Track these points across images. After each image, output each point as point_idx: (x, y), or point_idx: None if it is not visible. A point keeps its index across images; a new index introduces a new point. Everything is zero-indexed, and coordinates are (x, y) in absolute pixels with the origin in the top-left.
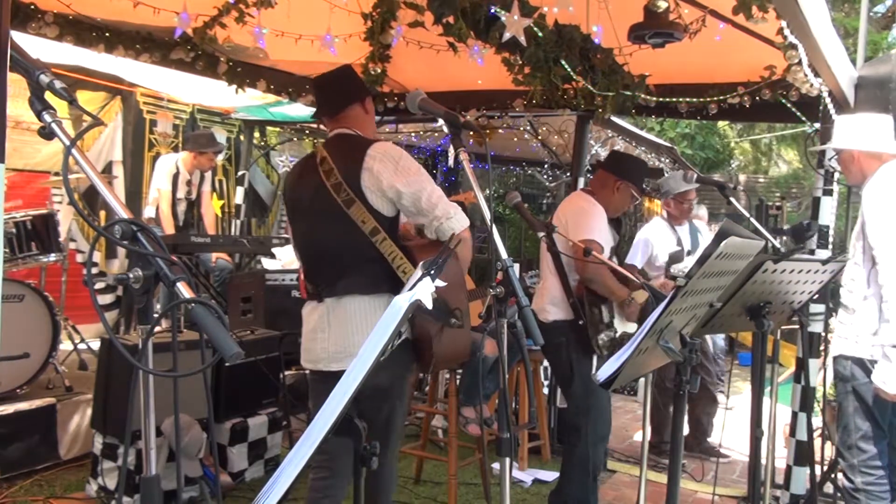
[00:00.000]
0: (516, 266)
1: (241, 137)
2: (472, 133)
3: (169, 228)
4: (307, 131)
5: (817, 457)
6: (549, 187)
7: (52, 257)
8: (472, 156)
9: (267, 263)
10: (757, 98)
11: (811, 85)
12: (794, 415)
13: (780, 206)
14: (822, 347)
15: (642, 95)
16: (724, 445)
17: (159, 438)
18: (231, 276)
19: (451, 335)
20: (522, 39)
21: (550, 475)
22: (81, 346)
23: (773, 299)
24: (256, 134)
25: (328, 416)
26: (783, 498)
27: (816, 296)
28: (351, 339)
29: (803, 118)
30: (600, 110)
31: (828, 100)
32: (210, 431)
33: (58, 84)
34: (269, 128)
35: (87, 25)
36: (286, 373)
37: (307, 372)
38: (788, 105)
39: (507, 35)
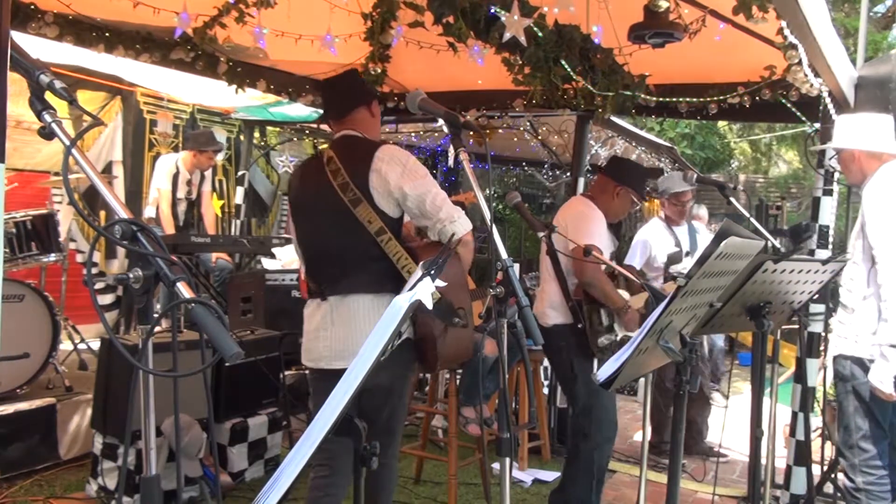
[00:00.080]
0: (516, 266)
1: (241, 137)
2: (472, 133)
3: (169, 228)
4: (307, 131)
5: (817, 457)
6: (549, 187)
7: (52, 257)
8: (472, 156)
9: (267, 263)
10: (757, 98)
11: (811, 85)
12: (794, 415)
13: (780, 207)
14: (821, 347)
15: (642, 95)
16: (724, 445)
17: (159, 438)
18: (231, 276)
19: (454, 334)
20: (522, 39)
21: (550, 475)
22: (81, 346)
23: (773, 299)
24: (256, 134)
25: (328, 415)
26: (783, 498)
27: (816, 296)
28: (354, 337)
29: (803, 118)
30: (600, 110)
31: (828, 100)
32: (210, 431)
33: (58, 84)
34: (269, 128)
35: (87, 25)
36: (286, 373)
37: (307, 372)
38: (788, 105)
39: (507, 35)
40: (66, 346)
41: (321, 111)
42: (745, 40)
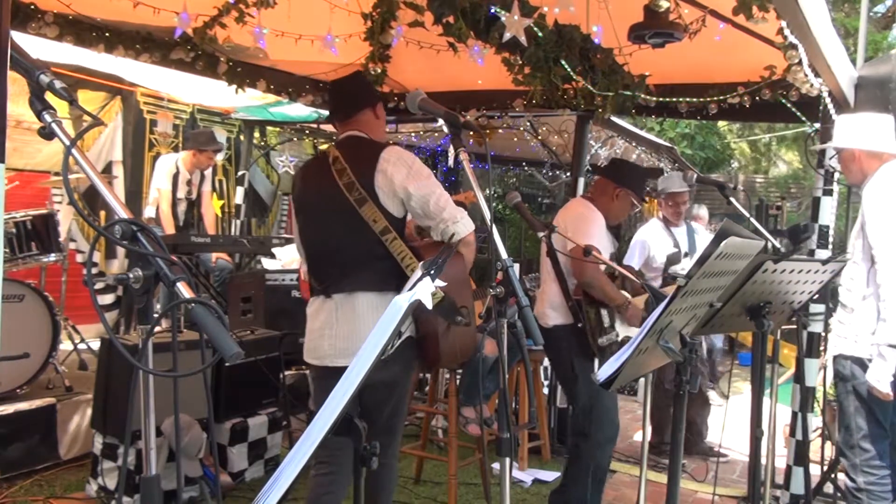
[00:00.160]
0: (516, 266)
1: (241, 137)
2: (472, 133)
3: (169, 228)
4: (307, 131)
5: (817, 457)
6: (549, 187)
7: (52, 257)
8: (471, 156)
9: (267, 263)
10: (757, 98)
11: (811, 85)
12: (794, 415)
13: (780, 207)
14: (821, 347)
15: (642, 95)
16: (724, 445)
17: (159, 438)
18: (231, 276)
19: (457, 333)
20: (523, 39)
21: (550, 475)
22: (81, 346)
23: (773, 299)
24: (256, 134)
25: (328, 415)
26: (783, 498)
27: (816, 296)
28: (358, 334)
29: (803, 118)
30: (600, 110)
31: (828, 100)
32: (210, 431)
33: (58, 84)
34: (269, 128)
35: (87, 25)
36: (286, 373)
37: (307, 372)
38: (788, 105)
39: (507, 35)
40: (66, 346)
41: (321, 111)
42: (745, 40)
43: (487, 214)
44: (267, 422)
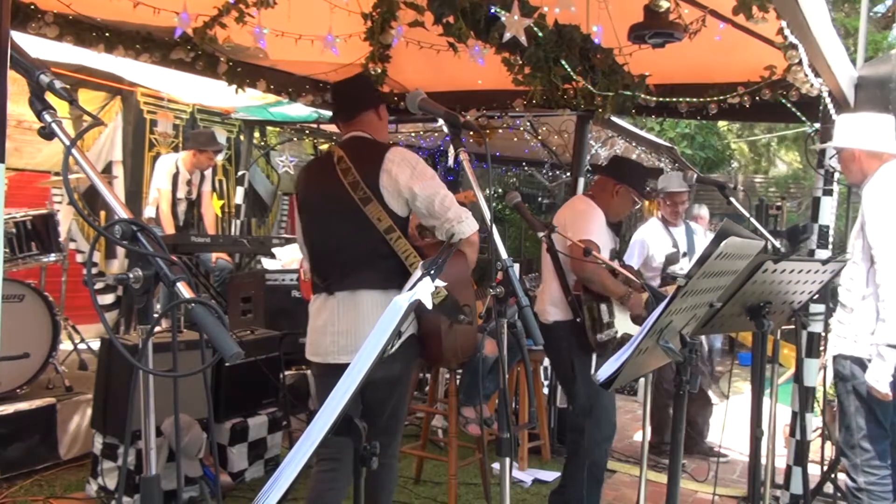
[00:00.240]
0: (516, 266)
1: (241, 137)
2: (471, 133)
3: (169, 228)
4: (307, 131)
5: (817, 457)
6: (549, 187)
7: (52, 257)
8: (471, 156)
9: (267, 263)
10: (757, 98)
11: (811, 85)
12: (794, 415)
13: (780, 207)
14: (821, 347)
15: (642, 95)
16: (724, 445)
17: (159, 438)
18: (231, 276)
19: (459, 331)
20: (523, 39)
21: (550, 475)
22: (81, 346)
23: (773, 299)
24: (256, 134)
25: (329, 415)
26: (783, 498)
27: (816, 296)
28: (362, 331)
29: (803, 118)
30: (600, 110)
31: (828, 100)
32: (210, 431)
33: (58, 84)
34: (269, 128)
35: (87, 25)
36: (286, 373)
37: (307, 372)
38: (788, 105)
39: (507, 35)
40: (66, 346)
41: (321, 111)
42: (745, 40)
43: (487, 214)
44: (267, 422)
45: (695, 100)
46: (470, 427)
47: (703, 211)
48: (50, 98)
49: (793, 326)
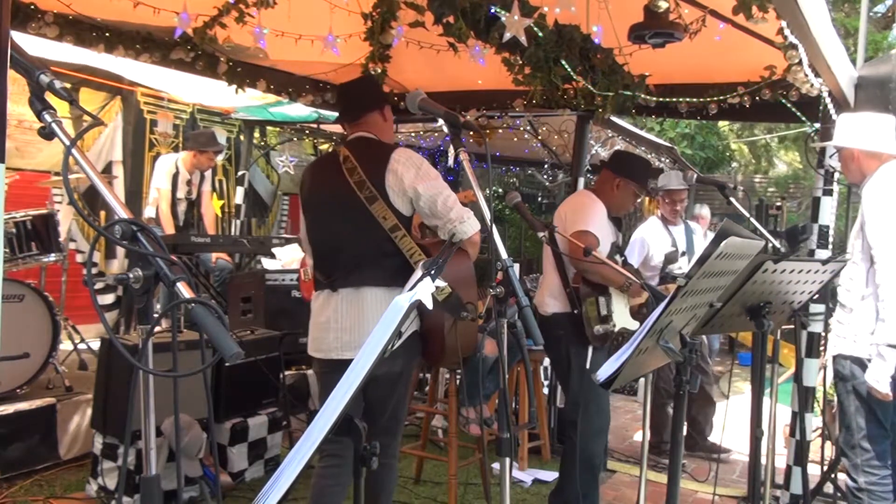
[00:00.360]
0: (516, 266)
1: (241, 137)
2: (471, 133)
3: (169, 228)
4: (307, 131)
5: (817, 457)
6: (549, 187)
7: (52, 257)
8: (471, 156)
9: (267, 263)
10: (757, 98)
11: (811, 85)
12: (794, 415)
13: (780, 207)
14: (821, 347)
15: (642, 95)
16: (724, 446)
17: (159, 438)
18: (231, 276)
19: (462, 328)
20: (523, 39)
21: (550, 475)
22: (81, 346)
23: (773, 299)
24: (256, 134)
25: (329, 414)
26: (783, 498)
27: (816, 296)
28: (364, 328)
29: (803, 118)
30: (600, 110)
31: (828, 100)
32: (210, 431)
33: (58, 84)
34: (269, 128)
35: (87, 25)
36: (286, 373)
37: (307, 372)
38: (788, 105)
39: (507, 35)
40: (66, 346)
41: (321, 111)
42: (745, 40)
43: (487, 214)
44: (267, 422)
45: (695, 100)
46: (470, 427)
47: (705, 211)
48: (50, 98)
49: (793, 326)
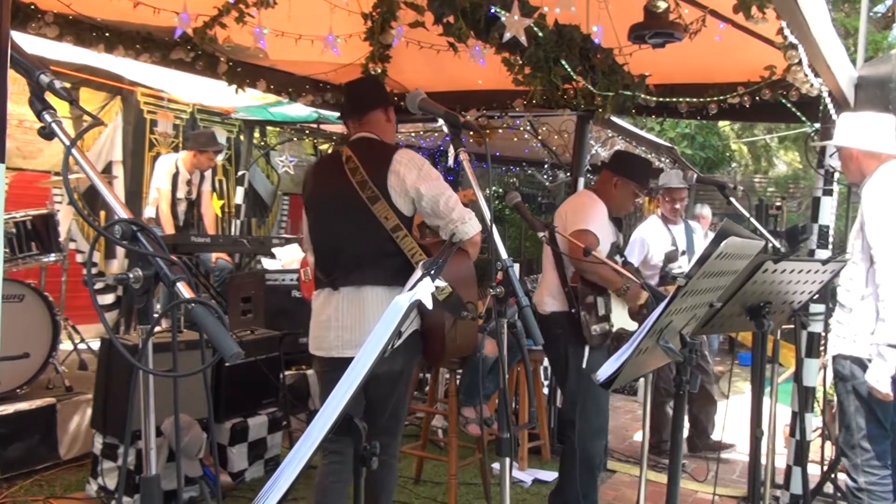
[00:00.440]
0: (516, 266)
1: (241, 137)
2: (471, 133)
3: (169, 228)
4: (307, 131)
5: (817, 457)
6: (549, 187)
7: (52, 257)
8: (471, 156)
9: (267, 263)
10: (757, 98)
11: (811, 85)
12: (794, 415)
13: (779, 207)
14: (821, 347)
15: (642, 95)
16: (723, 440)
17: (159, 438)
18: (231, 276)
19: (462, 327)
20: (523, 39)
21: (550, 475)
22: (81, 346)
23: (773, 299)
24: (256, 134)
25: (329, 414)
26: (783, 498)
27: (816, 296)
28: (365, 326)
29: (803, 118)
30: (600, 110)
31: (828, 100)
32: (210, 431)
33: (58, 84)
34: (269, 128)
35: (87, 25)
36: (286, 373)
37: (307, 372)
38: (788, 105)
39: (507, 35)
40: (66, 346)
41: (321, 111)
42: (745, 40)
43: (487, 214)
44: (267, 422)
45: (695, 100)
46: (470, 427)
47: (706, 210)
48: (50, 98)
49: (793, 326)
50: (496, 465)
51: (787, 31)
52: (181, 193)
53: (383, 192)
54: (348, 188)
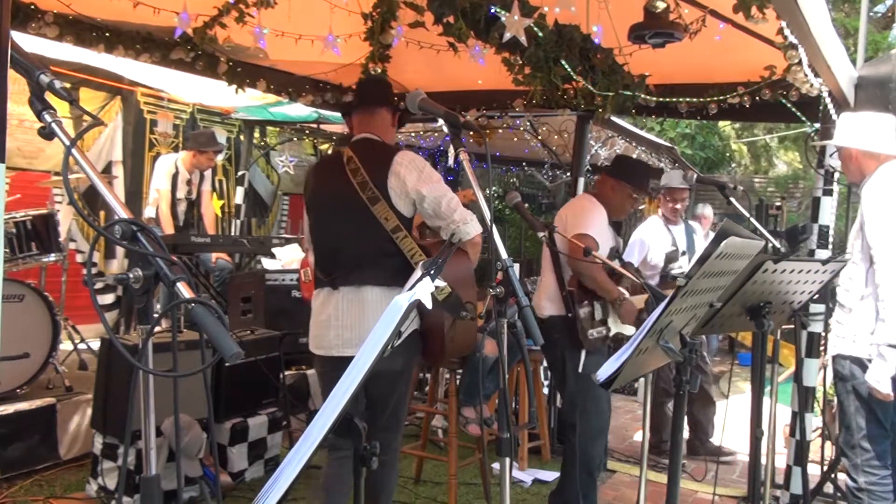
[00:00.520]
0: (516, 266)
1: (241, 137)
2: (471, 133)
3: (169, 228)
4: (307, 131)
5: (817, 457)
6: (549, 187)
7: (52, 257)
8: (471, 156)
9: (267, 263)
10: (757, 98)
11: (811, 85)
12: (794, 415)
13: (780, 207)
14: (821, 347)
15: (642, 95)
16: (725, 446)
17: (159, 438)
18: (231, 276)
19: (461, 327)
20: (523, 39)
21: (550, 475)
22: (81, 346)
23: (773, 299)
24: (256, 134)
25: (329, 414)
26: (783, 498)
27: (816, 296)
28: (365, 325)
29: (803, 118)
30: (600, 110)
31: (828, 100)
32: (210, 431)
33: (58, 84)
34: (269, 128)
35: (87, 25)
36: (286, 373)
37: (307, 372)
38: (788, 105)
39: (507, 35)
40: (66, 346)
41: (321, 111)
42: (745, 40)
43: (487, 214)
44: (267, 422)
45: (695, 100)
46: (470, 427)
47: (708, 210)
48: (50, 98)
49: (793, 326)
50: (496, 465)
51: (787, 31)
52: (181, 193)
53: (383, 193)
54: (349, 189)
